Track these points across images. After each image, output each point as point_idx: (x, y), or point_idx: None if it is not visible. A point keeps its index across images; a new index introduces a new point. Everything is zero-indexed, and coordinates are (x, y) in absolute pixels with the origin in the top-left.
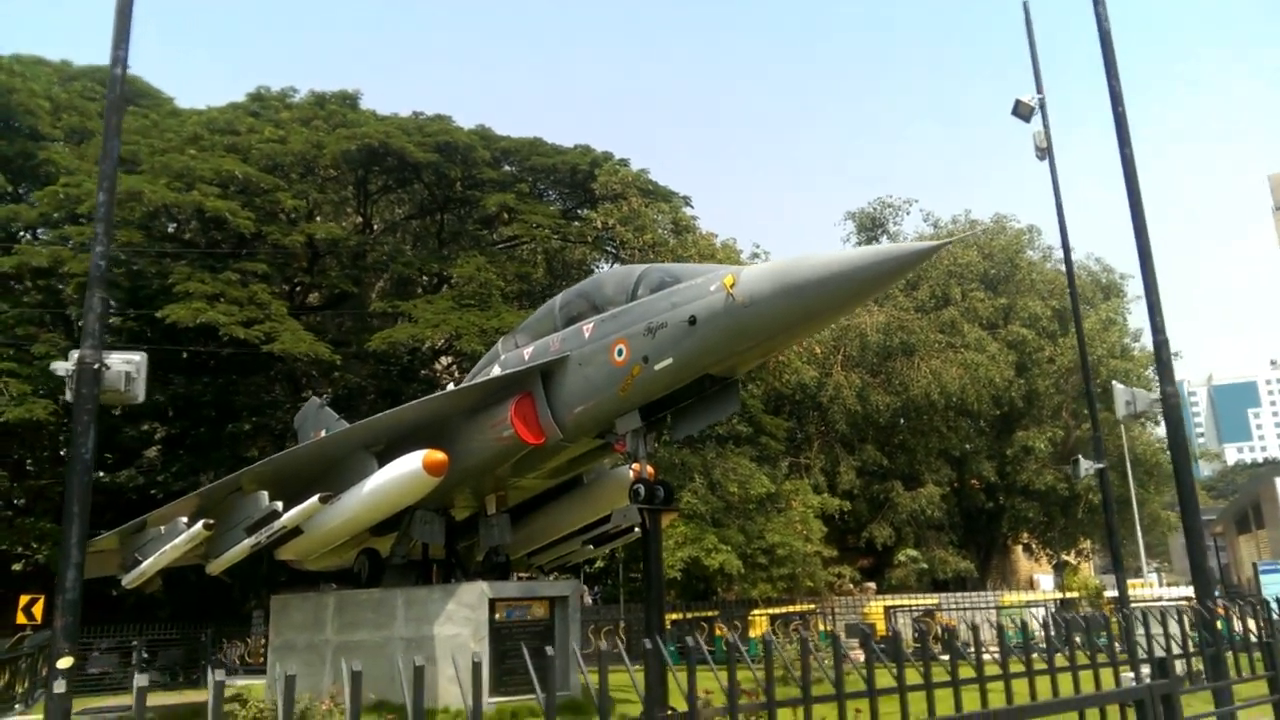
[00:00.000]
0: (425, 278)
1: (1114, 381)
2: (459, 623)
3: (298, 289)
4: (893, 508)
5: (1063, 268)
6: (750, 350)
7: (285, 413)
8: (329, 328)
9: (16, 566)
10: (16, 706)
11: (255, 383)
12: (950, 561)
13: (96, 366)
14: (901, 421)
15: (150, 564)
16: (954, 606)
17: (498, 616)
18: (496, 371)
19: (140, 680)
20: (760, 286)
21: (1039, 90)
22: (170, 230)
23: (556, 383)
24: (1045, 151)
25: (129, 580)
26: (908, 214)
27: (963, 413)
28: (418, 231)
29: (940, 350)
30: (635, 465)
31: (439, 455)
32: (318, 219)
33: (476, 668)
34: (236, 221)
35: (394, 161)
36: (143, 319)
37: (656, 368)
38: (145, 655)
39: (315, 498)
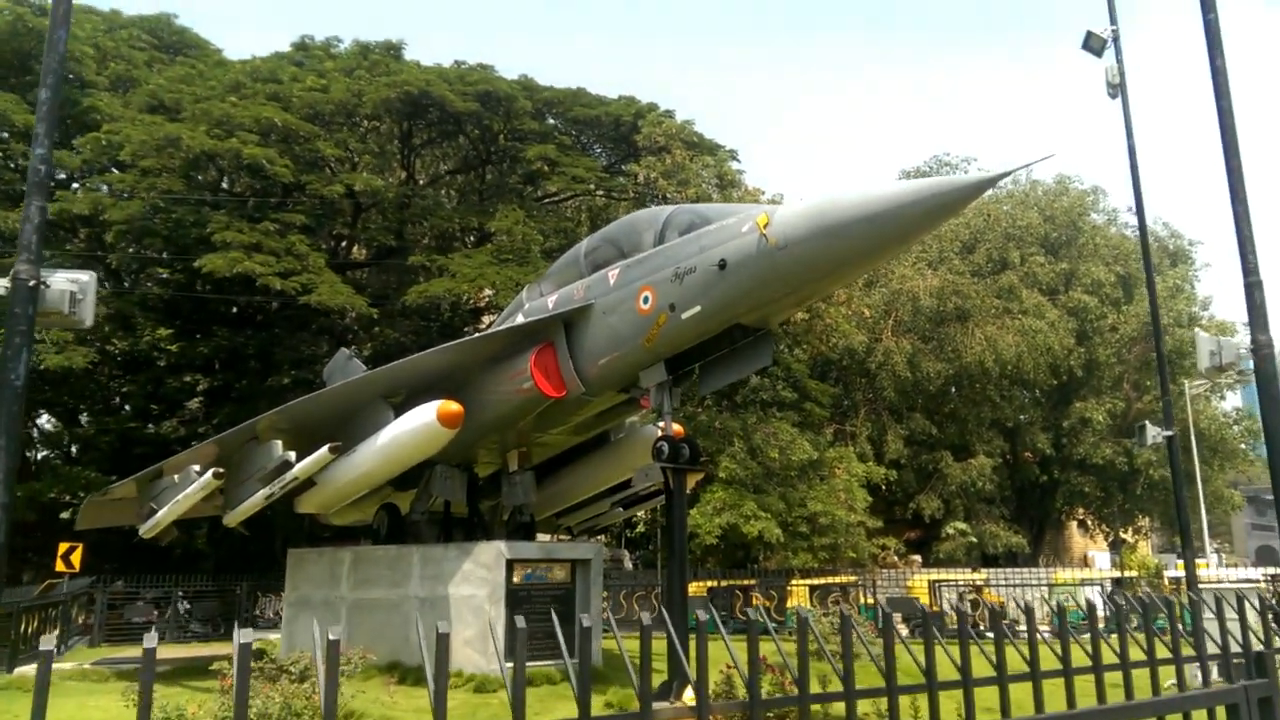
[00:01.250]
0: (465, 234)
1: (1198, 330)
2: (475, 583)
3: (342, 244)
4: (942, 479)
5: (1129, 232)
6: (785, 297)
7: (325, 367)
8: (373, 284)
9: (65, 514)
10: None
11: (300, 338)
12: (1001, 536)
13: (33, 284)
14: (953, 390)
15: (165, 514)
16: (1003, 583)
17: (516, 579)
18: (520, 321)
19: (149, 641)
20: (796, 227)
21: (1113, 21)
22: (213, 181)
23: (579, 332)
24: (1118, 88)
25: (145, 530)
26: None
27: (1018, 382)
28: (462, 187)
29: (996, 316)
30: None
31: (454, 406)
32: (363, 172)
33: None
34: (274, 169)
35: (436, 113)
36: (188, 270)
37: (684, 316)
38: (186, 607)
39: (325, 448)
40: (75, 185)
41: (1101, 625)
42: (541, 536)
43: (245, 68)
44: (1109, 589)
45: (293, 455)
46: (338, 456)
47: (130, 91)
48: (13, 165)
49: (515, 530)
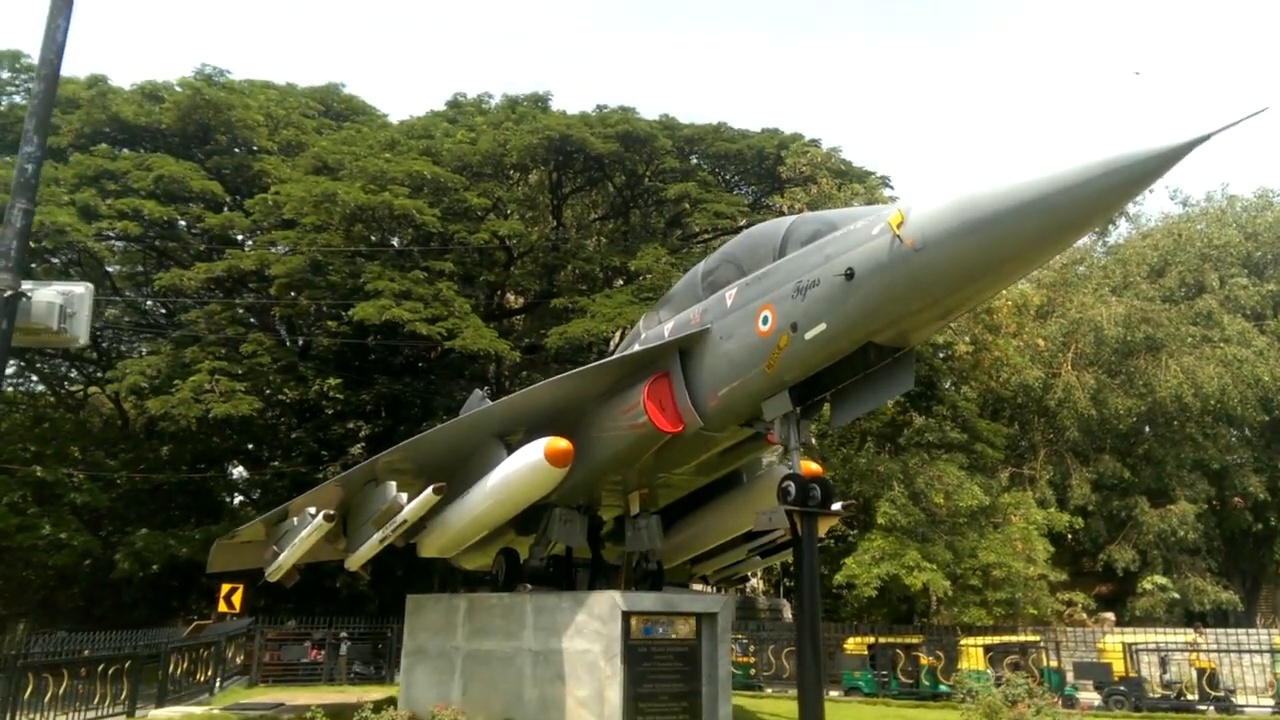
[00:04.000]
0: (611, 275)
1: None
2: (589, 637)
3: (496, 293)
4: (1137, 527)
5: None
6: (926, 309)
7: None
8: (527, 331)
9: None
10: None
11: (456, 384)
12: (1208, 591)
13: (9, 294)
14: (1146, 429)
15: (286, 556)
16: (1214, 648)
17: (634, 633)
18: (636, 350)
19: None
20: (936, 224)
21: None
22: (369, 236)
23: (696, 361)
24: None
25: (269, 573)
26: (1150, 192)
27: (1223, 419)
28: (611, 233)
29: (1194, 346)
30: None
31: (562, 444)
32: (515, 218)
33: None
34: (422, 219)
35: (581, 159)
36: (354, 323)
37: (807, 336)
38: (347, 647)
39: (430, 489)
40: (248, 244)
41: None
42: (696, 587)
43: (402, 127)
44: None
45: (404, 497)
46: (447, 498)
47: (298, 155)
48: (193, 230)
49: (641, 579)
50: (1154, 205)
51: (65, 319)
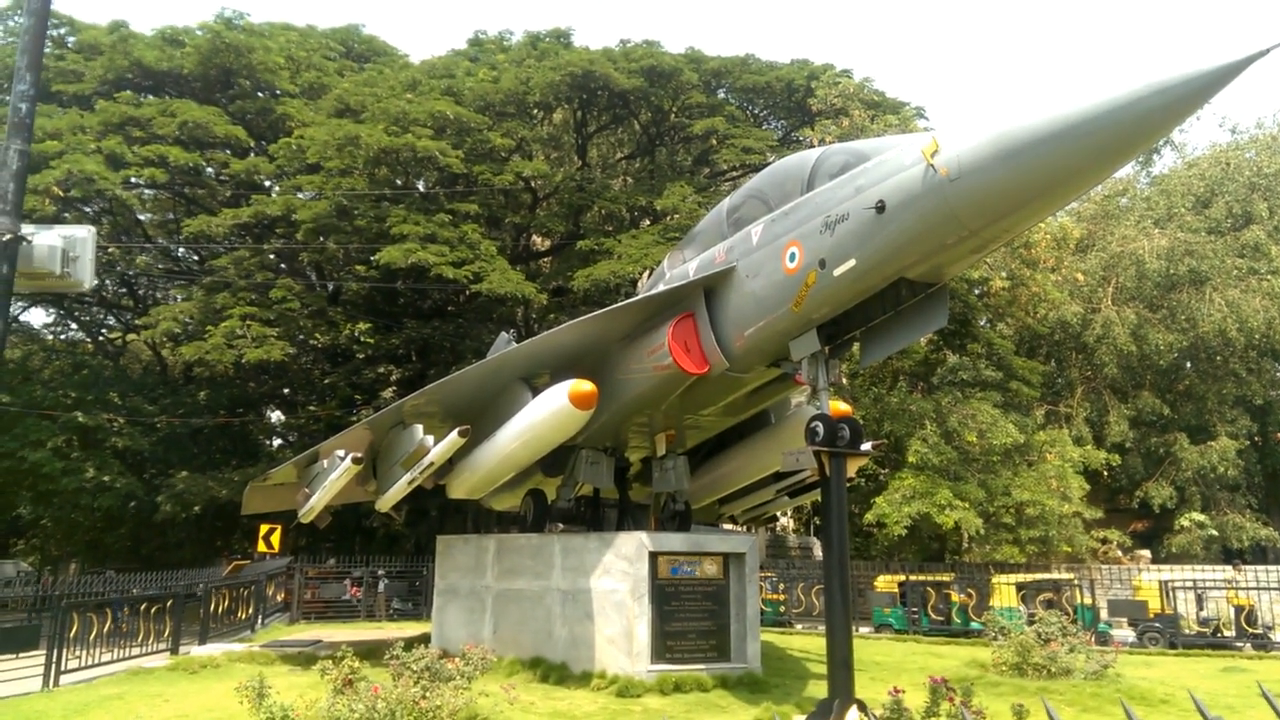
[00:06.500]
0: (637, 215)
1: None
2: (616, 576)
3: (522, 235)
4: (1175, 464)
5: None
6: (961, 243)
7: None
8: (555, 273)
9: None
10: (246, 633)
11: (485, 328)
12: (1247, 528)
13: (8, 238)
14: (1188, 365)
15: (317, 499)
16: (1253, 585)
17: (662, 572)
18: (660, 290)
19: None
20: (973, 152)
21: None
22: (392, 178)
23: (721, 300)
24: None
25: (302, 515)
26: (1197, 118)
27: (1267, 353)
28: (637, 172)
29: (1239, 278)
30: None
31: (586, 386)
32: (538, 159)
33: None
34: (446, 161)
35: (605, 96)
36: (382, 268)
37: (836, 273)
38: (385, 585)
39: (455, 432)
40: (275, 189)
41: None
42: (727, 527)
43: (423, 67)
44: None
45: (431, 440)
46: (473, 440)
47: (320, 98)
48: (219, 177)
49: (668, 519)
50: (1201, 134)
51: (68, 263)
